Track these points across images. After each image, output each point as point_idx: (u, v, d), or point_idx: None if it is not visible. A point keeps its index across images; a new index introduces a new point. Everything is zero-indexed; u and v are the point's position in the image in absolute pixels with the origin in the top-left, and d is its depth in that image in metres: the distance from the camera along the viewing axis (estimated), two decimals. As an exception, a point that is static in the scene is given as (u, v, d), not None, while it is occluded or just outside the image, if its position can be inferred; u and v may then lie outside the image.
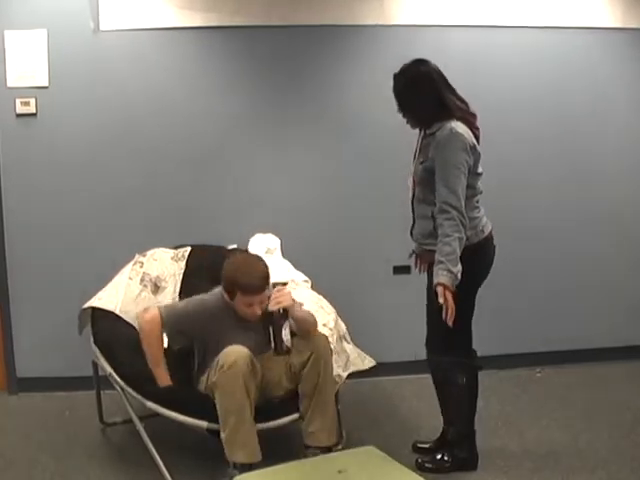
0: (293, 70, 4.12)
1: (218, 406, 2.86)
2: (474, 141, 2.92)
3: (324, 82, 4.16)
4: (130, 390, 3.06)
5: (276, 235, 3.93)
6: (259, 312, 2.99)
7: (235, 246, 3.80)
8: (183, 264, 3.64)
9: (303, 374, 3.01)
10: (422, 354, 3.19)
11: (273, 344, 2.94)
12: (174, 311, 3.12)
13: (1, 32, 3.88)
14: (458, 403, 3.12)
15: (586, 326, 4.50)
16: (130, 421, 3.18)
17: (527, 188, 4.38)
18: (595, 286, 4.52)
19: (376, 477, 2.58)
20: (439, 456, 3.16)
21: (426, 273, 3.08)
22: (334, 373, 3.13)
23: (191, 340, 3.16)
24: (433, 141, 2.90)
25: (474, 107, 2.99)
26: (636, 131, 4.46)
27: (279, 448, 3.02)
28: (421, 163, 2.97)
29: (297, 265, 3.80)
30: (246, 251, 3.76)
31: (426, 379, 3.25)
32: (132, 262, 3.54)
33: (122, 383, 3.08)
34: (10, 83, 3.90)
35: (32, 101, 3.91)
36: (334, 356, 3.17)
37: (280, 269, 3.67)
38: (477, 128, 2.98)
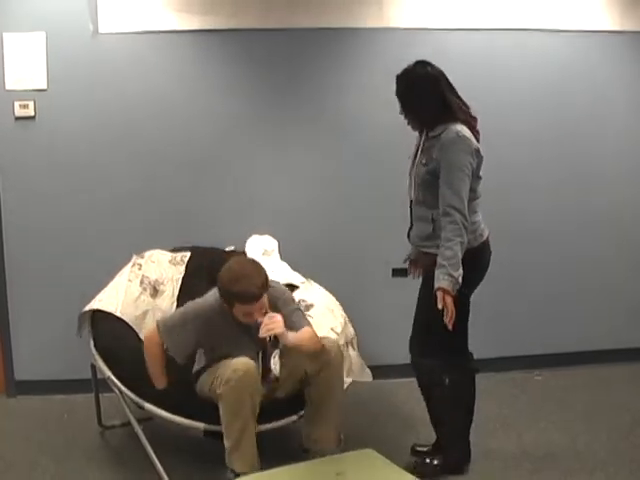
0: (292, 72, 4.12)
1: (222, 417, 2.84)
2: (478, 145, 2.93)
3: (323, 85, 4.16)
4: (128, 392, 3.06)
5: (275, 237, 3.93)
6: (260, 319, 2.87)
7: (233, 248, 3.81)
8: (182, 268, 3.65)
9: (313, 381, 2.96)
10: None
11: (260, 372, 2.81)
12: (172, 322, 3.03)
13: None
14: (446, 405, 3.09)
15: (586, 328, 4.51)
16: (128, 424, 3.19)
17: (526, 191, 4.37)
18: (595, 288, 4.52)
19: (374, 480, 2.59)
20: (428, 460, 3.16)
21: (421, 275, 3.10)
22: None
23: (192, 349, 3.10)
24: (437, 143, 2.89)
25: (473, 110, 2.99)
26: (635, 133, 4.47)
27: (277, 448, 3.02)
28: (424, 165, 2.95)
29: (296, 266, 3.80)
30: (243, 254, 3.74)
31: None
32: (130, 264, 3.54)
33: (120, 386, 3.08)
34: (9, 86, 3.89)
35: (31, 104, 3.91)
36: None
37: (278, 271, 3.67)
38: (477, 131, 2.98)
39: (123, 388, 3.08)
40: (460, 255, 2.81)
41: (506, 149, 4.22)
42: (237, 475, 2.83)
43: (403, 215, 3.16)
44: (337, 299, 3.65)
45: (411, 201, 3.08)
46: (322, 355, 2.96)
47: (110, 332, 3.28)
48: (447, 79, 2.94)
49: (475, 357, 3.20)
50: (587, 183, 4.45)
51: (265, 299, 2.90)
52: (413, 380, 3.18)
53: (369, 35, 4.13)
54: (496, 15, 4.21)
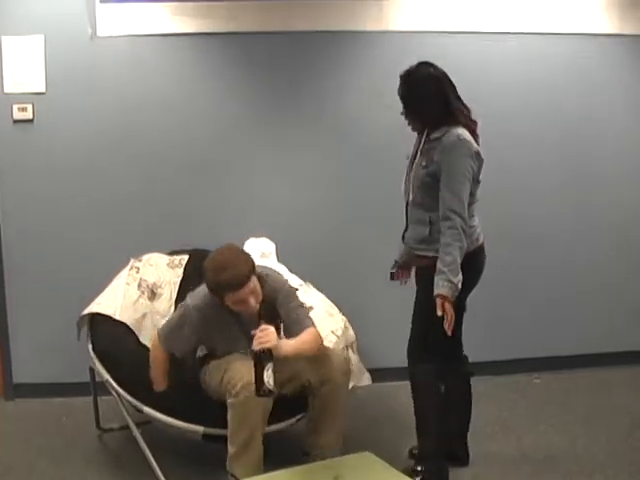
0: (291, 75, 4.12)
1: (230, 422, 2.81)
2: (479, 148, 2.91)
3: (322, 87, 4.16)
4: (127, 396, 3.06)
5: (275, 238, 3.92)
6: (254, 303, 2.83)
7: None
8: (180, 271, 3.64)
9: (317, 393, 2.95)
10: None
11: (255, 386, 2.75)
12: (169, 328, 3.04)
13: (-2, 38, 3.89)
14: (436, 416, 3.03)
15: (586, 331, 4.49)
16: (127, 427, 3.18)
17: (527, 194, 4.37)
18: (595, 291, 4.51)
19: (372, 483, 2.58)
20: (418, 467, 3.09)
21: (415, 279, 3.08)
22: None
23: (194, 345, 3.12)
24: (439, 145, 2.87)
25: (473, 113, 2.98)
26: (635, 135, 4.46)
27: (276, 451, 3.01)
28: (423, 167, 2.93)
29: (296, 267, 3.79)
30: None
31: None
32: (128, 267, 3.53)
33: (119, 389, 3.08)
34: (7, 89, 3.90)
35: (29, 107, 3.91)
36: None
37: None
38: (477, 135, 2.97)
39: (121, 391, 3.07)
40: (459, 260, 2.79)
41: (506, 153, 4.21)
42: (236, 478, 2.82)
43: (403, 217, 3.14)
44: (336, 300, 3.64)
45: (407, 203, 3.05)
46: (325, 365, 2.94)
47: (109, 335, 3.27)
48: (450, 80, 2.93)
49: (475, 360, 3.20)
50: (587, 186, 4.44)
51: (254, 282, 2.85)
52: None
53: (368, 38, 4.14)
54: (495, 18, 4.21)
